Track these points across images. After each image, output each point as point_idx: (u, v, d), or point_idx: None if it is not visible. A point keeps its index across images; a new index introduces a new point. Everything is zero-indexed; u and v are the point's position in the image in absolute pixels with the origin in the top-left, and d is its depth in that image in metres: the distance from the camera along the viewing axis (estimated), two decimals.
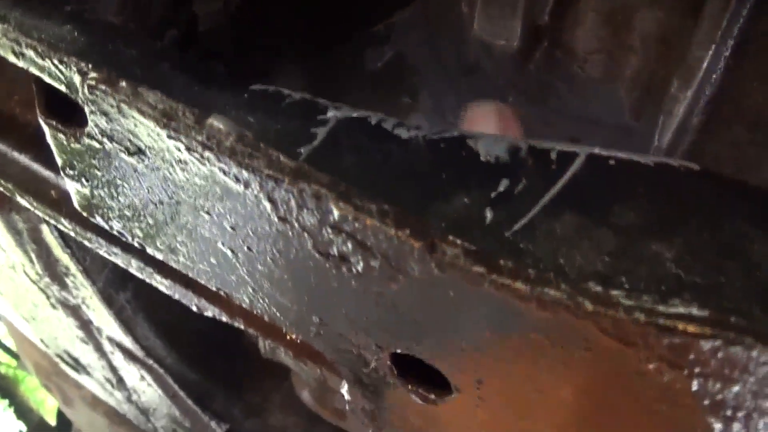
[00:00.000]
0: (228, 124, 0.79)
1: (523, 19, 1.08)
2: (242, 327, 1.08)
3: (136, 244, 1.00)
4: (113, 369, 1.96)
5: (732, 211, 0.94)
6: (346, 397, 1.02)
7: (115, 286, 1.56)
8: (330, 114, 0.90)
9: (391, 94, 1.31)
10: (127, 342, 1.71)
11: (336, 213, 0.74)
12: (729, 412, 0.67)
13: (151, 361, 1.77)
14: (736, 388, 0.65)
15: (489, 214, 0.79)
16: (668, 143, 1.15)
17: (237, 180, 0.79)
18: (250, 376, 2.05)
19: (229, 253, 0.89)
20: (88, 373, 2.10)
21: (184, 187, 0.84)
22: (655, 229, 0.82)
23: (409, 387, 0.87)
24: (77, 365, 2.08)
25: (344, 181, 0.77)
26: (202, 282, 0.99)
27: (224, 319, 1.08)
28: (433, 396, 0.86)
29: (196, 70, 0.89)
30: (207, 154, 0.78)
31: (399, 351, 0.84)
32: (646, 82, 1.14)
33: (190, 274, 0.98)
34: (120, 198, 0.93)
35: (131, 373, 1.91)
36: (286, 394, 1.97)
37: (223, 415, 1.97)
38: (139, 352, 1.75)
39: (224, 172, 0.79)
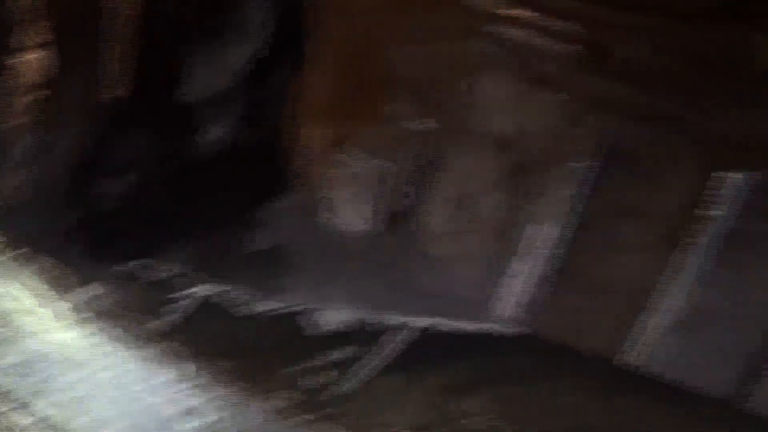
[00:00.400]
0: (106, 291, 0.92)
1: (382, 207, 1.21)
2: None
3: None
4: None
5: (547, 370, 1.08)
6: None
7: None
8: (195, 288, 1.04)
9: (268, 274, 1.42)
10: None
11: (191, 370, 0.86)
12: None
13: None
14: None
15: (320, 377, 0.92)
16: (511, 312, 1.26)
17: (110, 339, 0.90)
18: None
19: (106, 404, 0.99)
20: None
21: (63, 344, 0.95)
22: (467, 387, 0.95)
23: None
24: None
25: (200, 345, 0.89)
26: None
27: None
28: None
29: (87, 243, 1.03)
30: (86, 315, 0.90)
31: None
32: (496, 258, 1.27)
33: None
34: None
35: None
36: None
37: None
38: None
39: (100, 331, 0.91)
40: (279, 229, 1.51)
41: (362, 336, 1.07)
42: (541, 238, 1.23)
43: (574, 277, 1.26)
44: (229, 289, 1.11)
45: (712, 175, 1.19)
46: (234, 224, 1.59)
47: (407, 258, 1.32)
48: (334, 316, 1.09)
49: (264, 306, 1.09)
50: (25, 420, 1.20)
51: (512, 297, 1.27)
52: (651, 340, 1.29)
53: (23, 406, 1.09)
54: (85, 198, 1.53)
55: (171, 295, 1.07)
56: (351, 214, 1.25)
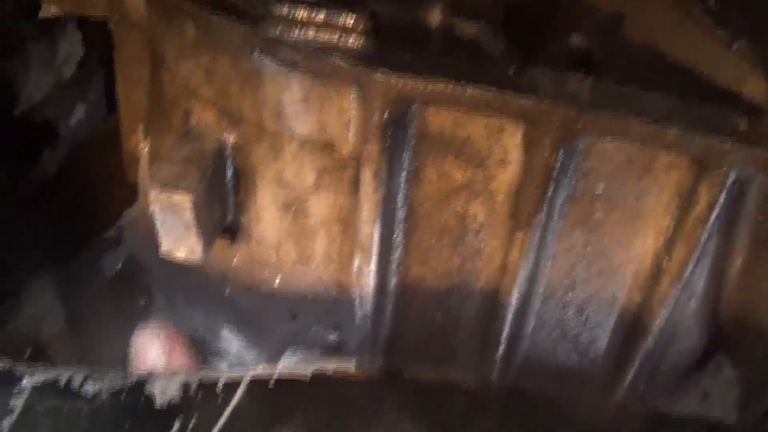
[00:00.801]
0: None
1: (206, 231, 1.13)
2: None
3: None
4: None
5: (389, 408, 1.03)
6: None
7: None
8: (25, 382, 0.99)
9: (128, 298, 1.38)
10: None
11: None
12: None
13: None
14: None
15: None
16: (372, 308, 1.22)
17: None
18: None
19: None
20: None
21: None
22: None
23: None
24: None
25: None
26: None
27: None
28: None
29: None
30: None
31: None
32: (337, 258, 1.21)
33: None
34: None
35: None
36: None
37: None
38: None
39: None
40: (133, 247, 1.44)
41: (195, 403, 1.01)
42: (373, 236, 1.17)
43: (415, 280, 1.20)
44: (57, 375, 1.02)
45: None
46: (88, 248, 1.52)
47: (255, 269, 1.26)
48: (164, 384, 1.02)
49: (92, 387, 1.02)
50: None
51: (369, 292, 1.22)
52: (512, 349, 1.23)
53: None
54: None
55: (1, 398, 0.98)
56: (173, 243, 1.15)
